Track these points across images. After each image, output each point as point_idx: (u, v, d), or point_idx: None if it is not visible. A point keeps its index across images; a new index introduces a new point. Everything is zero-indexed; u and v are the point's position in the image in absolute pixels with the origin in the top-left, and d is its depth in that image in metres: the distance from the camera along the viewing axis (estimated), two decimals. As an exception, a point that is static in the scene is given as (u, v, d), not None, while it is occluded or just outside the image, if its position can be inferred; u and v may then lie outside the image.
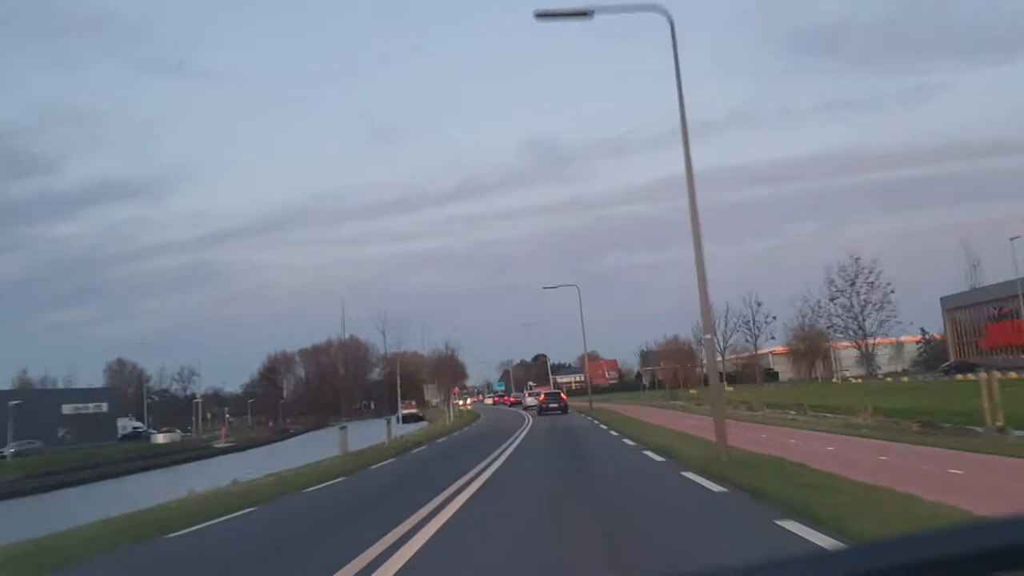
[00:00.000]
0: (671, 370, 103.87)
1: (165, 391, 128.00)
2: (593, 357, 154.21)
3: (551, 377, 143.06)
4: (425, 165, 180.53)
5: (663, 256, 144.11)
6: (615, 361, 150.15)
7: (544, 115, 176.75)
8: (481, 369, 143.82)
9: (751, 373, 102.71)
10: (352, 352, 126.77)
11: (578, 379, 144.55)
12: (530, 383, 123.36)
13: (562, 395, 60.63)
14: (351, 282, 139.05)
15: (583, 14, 15.63)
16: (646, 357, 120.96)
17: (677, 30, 15.52)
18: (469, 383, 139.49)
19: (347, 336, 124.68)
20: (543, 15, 15.74)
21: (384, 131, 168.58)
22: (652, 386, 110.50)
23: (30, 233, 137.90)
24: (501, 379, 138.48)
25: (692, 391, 75.41)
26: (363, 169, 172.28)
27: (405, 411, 63.21)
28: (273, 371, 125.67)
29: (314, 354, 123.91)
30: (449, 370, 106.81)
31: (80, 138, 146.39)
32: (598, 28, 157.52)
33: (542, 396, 61.42)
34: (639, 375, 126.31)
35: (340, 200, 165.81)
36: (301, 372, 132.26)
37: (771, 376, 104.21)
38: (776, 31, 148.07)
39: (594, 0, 15.73)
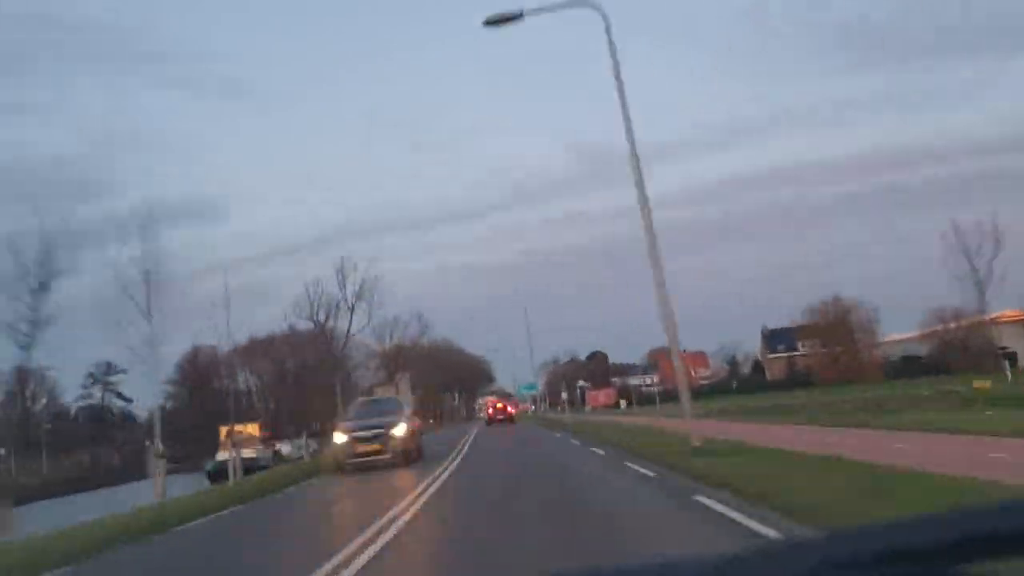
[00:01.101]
0: (828, 355, 59.75)
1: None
2: (662, 354, 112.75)
3: (613, 379, 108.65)
4: (470, 175, 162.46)
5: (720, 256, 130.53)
6: (703, 356, 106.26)
7: (591, 120, 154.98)
8: (520, 369, 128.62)
9: (971, 355, 57.80)
10: (311, 346, 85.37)
11: (649, 381, 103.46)
12: (581, 382, 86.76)
13: (509, 409, 67.02)
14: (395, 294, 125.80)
15: (518, 17, 18.64)
16: (774, 338, 76.55)
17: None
18: (498, 386, 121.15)
19: (313, 323, 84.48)
20: (489, 23, 19.01)
21: (427, 142, 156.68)
22: (789, 383, 66.08)
23: (91, 256, 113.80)
24: (539, 381, 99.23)
25: (977, 383, 31.39)
26: (407, 182, 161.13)
27: (222, 455, 23.23)
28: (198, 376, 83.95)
29: (247, 353, 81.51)
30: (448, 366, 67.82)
31: (137, 161, 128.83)
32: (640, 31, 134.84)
33: (490, 411, 67.68)
34: (758, 366, 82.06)
35: (384, 213, 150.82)
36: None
37: (1009, 358, 58.60)
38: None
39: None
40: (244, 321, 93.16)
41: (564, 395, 63.59)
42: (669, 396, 75.06)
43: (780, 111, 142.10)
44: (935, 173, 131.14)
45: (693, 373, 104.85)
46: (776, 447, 14.46)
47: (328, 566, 6.87)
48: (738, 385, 76.85)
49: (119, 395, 79.10)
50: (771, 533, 6.32)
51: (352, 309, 67.68)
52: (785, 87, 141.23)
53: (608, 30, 17.52)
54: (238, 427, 30.65)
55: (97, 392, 79.97)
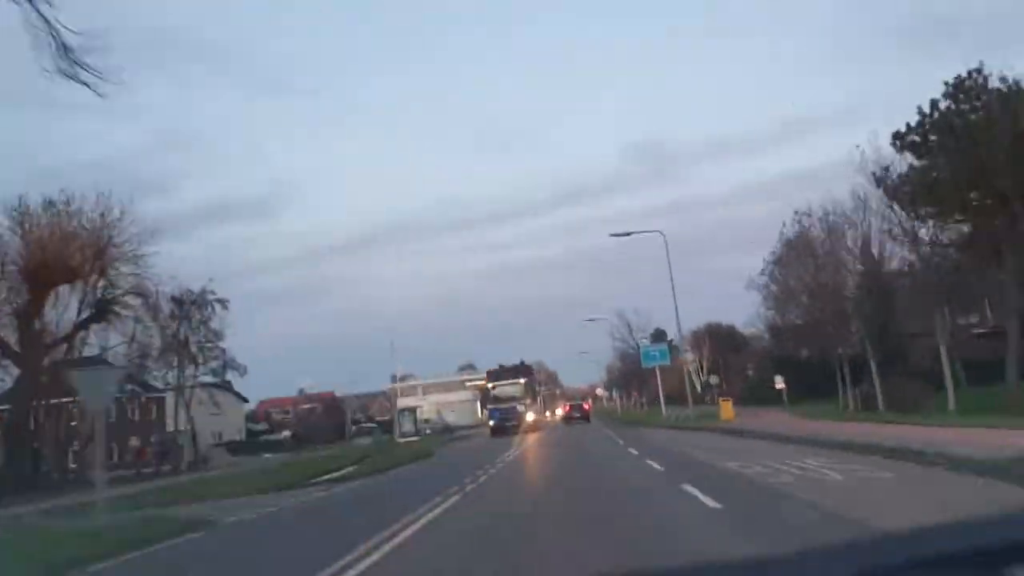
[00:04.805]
0: None
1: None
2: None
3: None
4: (529, 173, 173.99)
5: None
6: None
7: (646, 118, 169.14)
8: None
9: None
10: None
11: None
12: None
13: (584, 405, 69.12)
14: (452, 293, 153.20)
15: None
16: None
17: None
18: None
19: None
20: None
21: (487, 142, 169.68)
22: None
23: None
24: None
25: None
26: (473, 180, 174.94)
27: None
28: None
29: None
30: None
31: (192, 161, 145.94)
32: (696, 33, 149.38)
33: (567, 407, 69.40)
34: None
35: (450, 212, 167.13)
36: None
37: None
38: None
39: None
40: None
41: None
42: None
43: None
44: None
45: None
46: None
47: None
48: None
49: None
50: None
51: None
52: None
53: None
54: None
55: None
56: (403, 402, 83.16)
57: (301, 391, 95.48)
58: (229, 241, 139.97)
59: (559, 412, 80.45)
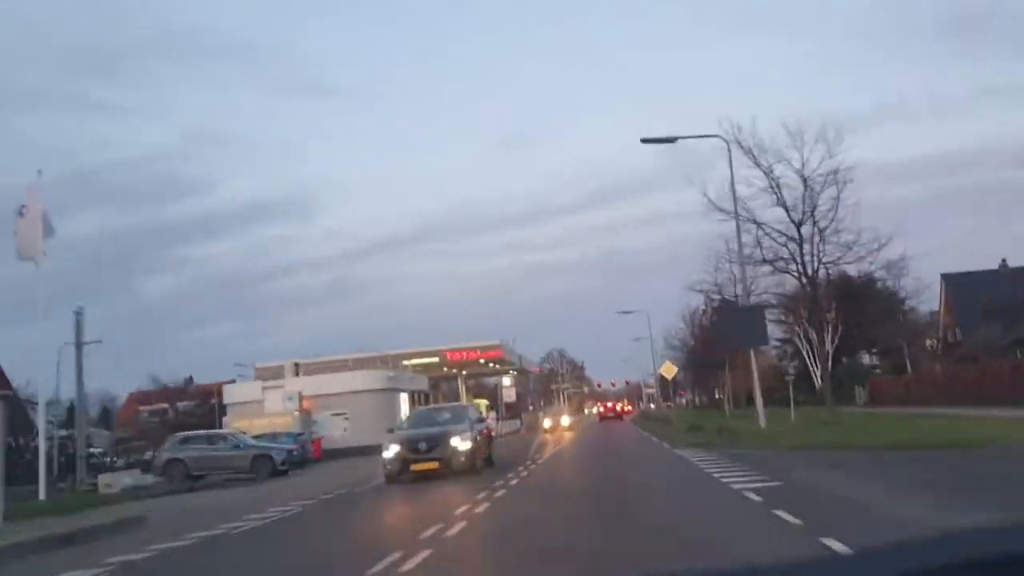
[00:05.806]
0: None
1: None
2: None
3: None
4: (557, 172, 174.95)
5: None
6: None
7: (677, 115, 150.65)
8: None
9: None
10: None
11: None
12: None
13: (619, 408, 75.90)
14: (483, 292, 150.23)
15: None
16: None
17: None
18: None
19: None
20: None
21: (516, 140, 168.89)
22: None
23: (182, 253, 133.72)
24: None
25: None
26: (496, 179, 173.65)
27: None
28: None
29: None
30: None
31: (227, 160, 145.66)
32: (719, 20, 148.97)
33: (604, 408, 76.37)
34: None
35: (473, 211, 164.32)
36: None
37: None
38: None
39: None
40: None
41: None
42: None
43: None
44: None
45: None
46: None
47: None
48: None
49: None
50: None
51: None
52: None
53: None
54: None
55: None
56: (234, 394, 48.45)
57: (190, 379, 62.57)
58: (266, 241, 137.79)
59: (566, 419, 58.42)
